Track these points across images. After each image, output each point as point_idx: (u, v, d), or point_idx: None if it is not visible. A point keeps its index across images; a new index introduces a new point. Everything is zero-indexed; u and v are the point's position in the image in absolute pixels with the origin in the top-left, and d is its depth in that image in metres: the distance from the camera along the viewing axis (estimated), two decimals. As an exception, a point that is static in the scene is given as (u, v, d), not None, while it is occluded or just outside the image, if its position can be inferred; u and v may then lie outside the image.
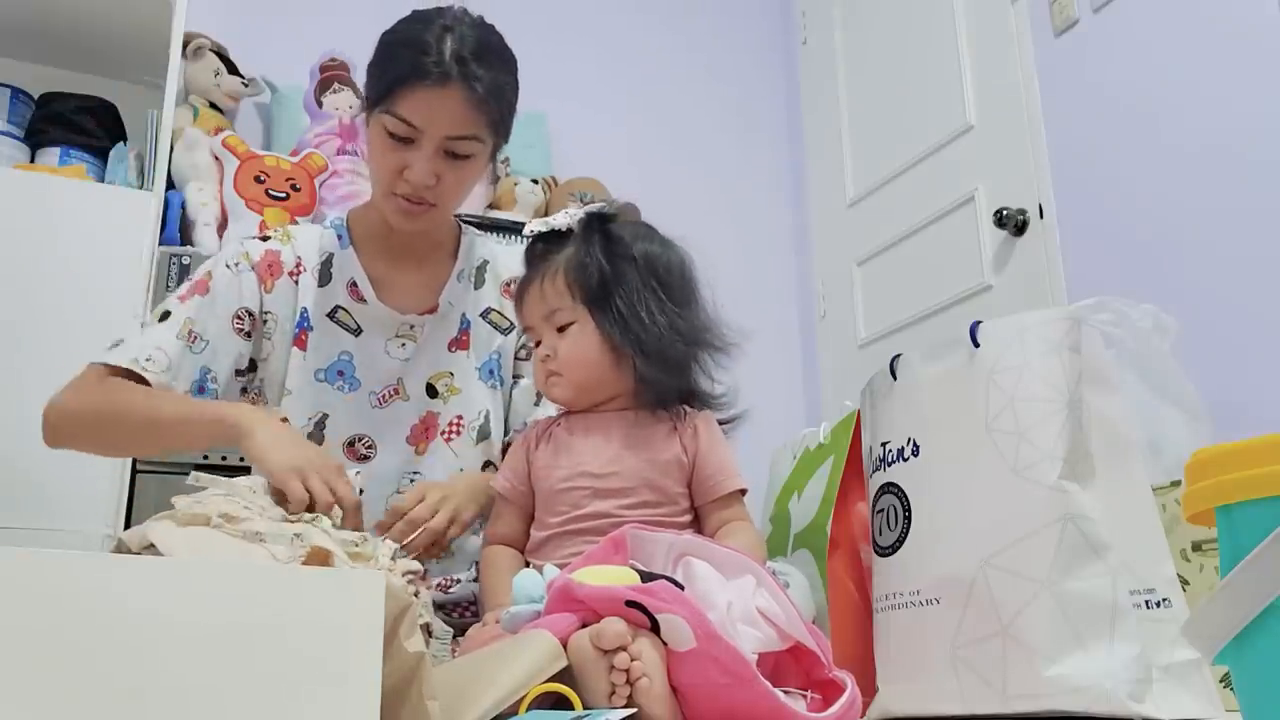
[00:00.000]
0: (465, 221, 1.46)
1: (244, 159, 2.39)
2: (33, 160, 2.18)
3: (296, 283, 1.31)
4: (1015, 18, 2.54)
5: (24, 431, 1.83)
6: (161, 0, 2.19)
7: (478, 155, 1.23)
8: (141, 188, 2.11)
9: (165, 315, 1.26)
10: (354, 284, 1.32)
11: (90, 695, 0.50)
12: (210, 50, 2.53)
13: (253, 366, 1.31)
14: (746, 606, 0.81)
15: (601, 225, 1.10)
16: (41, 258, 1.91)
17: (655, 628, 0.74)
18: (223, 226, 2.35)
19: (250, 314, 1.28)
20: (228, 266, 1.30)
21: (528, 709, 0.69)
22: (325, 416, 1.28)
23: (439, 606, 1.26)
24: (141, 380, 1.20)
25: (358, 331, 1.31)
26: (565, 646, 0.73)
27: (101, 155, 2.19)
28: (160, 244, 2.08)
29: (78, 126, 2.21)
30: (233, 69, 2.58)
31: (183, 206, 2.33)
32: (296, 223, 2.37)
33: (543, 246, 1.12)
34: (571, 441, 1.09)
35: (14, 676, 0.49)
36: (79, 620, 0.51)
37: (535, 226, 1.12)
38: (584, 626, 0.75)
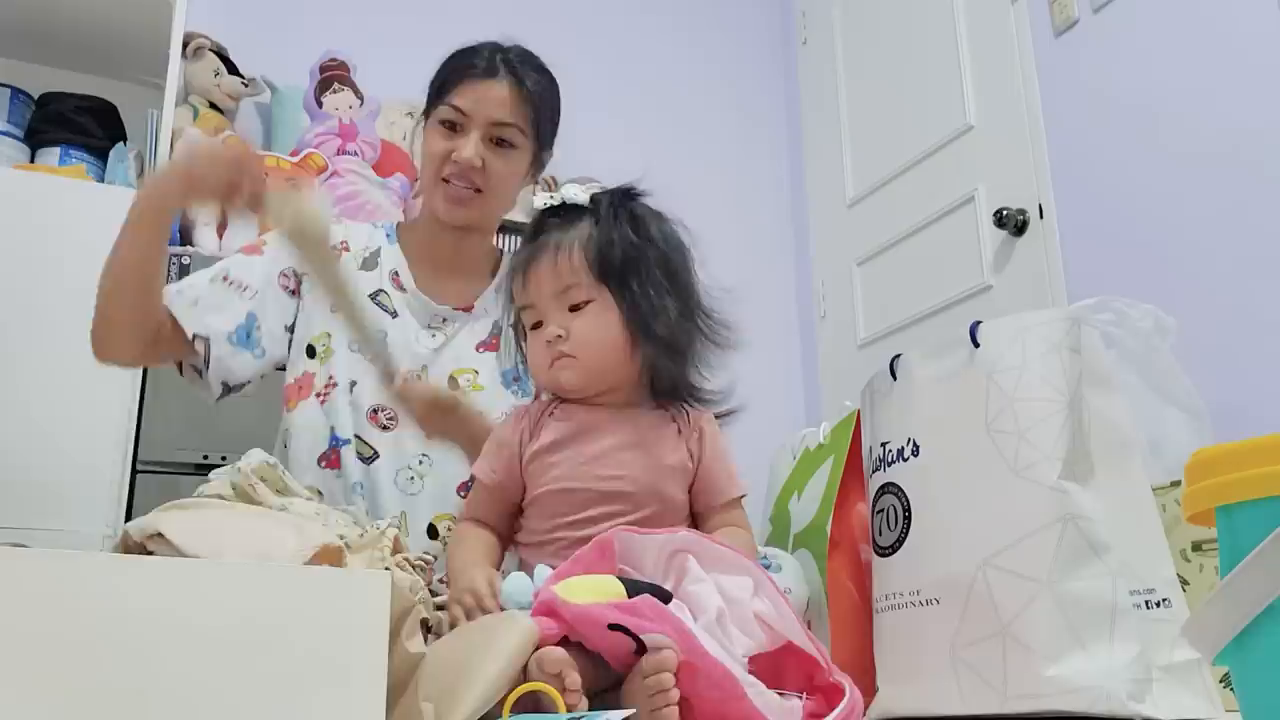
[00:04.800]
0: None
1: (244, 159, 2.39)
2: (33, 160, 2.17)
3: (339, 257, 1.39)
4: (1015, 18, 2.54)
5: (24, 431, 1.83)
6: (161, 0, 2.19)
7: (521, 149, 1.35)
8: (142, 188, 2.11)
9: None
10: (396, 274, 1.41)
11: (94, 696, 0.50)
12: (210, 50, 2.53)
13: (291, 329, 1.38)
14: (743, 610, 0.80)
15: (626, 202, 1.07)
16: (41, 258, 1.91)
17: (641, 648, 0.74)
18: (223, 227, 2.35)
19: (296, 275, 1.38)
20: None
21: (511, 711, 0.69)
22: (354, 383, 1.34)
23: (439, 608, 1.26)
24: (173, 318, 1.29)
25: (394, 315, 1.38)
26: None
27: (101, 155, 2.19)
28: (160, 244, 2.07)
29: (78, 126, 2.21)
30: (233, 69, 2.57)
31: (183, 206, 2.33)
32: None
33: (557, 221, 1.06)
34: (573, 438, 1.03)
35: (15, 677, 0.49)
36: (81, 620, 0.51)
37: (547, 200, 1.07)
38: (565, 637, 0.75)
